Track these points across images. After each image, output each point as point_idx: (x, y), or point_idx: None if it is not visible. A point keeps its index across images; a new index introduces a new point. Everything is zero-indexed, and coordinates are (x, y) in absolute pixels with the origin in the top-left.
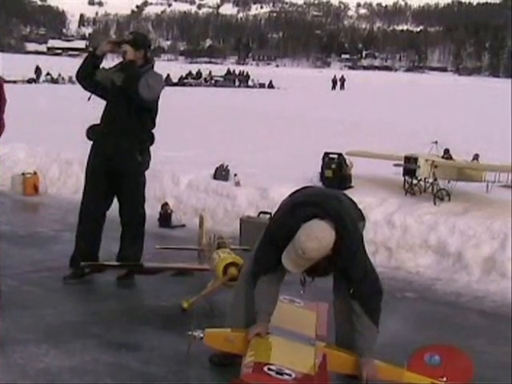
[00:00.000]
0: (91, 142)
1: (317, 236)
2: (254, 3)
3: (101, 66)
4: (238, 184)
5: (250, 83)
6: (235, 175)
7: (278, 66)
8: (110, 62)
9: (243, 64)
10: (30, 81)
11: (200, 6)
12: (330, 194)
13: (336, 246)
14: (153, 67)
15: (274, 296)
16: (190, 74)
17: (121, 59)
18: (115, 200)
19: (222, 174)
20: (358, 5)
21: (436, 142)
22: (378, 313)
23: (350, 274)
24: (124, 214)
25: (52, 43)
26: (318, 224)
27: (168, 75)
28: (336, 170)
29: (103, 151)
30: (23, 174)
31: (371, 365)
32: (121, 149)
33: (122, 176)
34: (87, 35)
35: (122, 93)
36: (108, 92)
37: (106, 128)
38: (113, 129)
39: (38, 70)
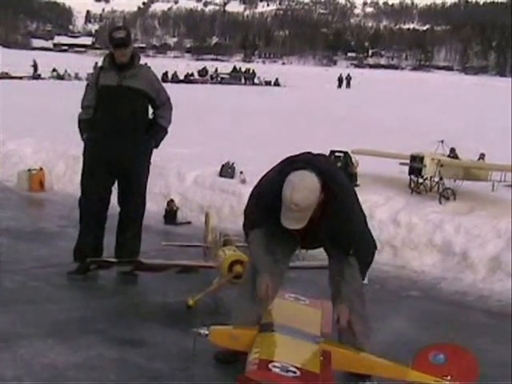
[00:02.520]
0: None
1: (301, 185)
2: (261, 1)
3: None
4: (243, 181)
5: (256, 81)
6: (241, 173)
7: (284, 63)
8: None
9: (249, 61)
10: (35, 77)
11: (206, 4)
12: (319, 154)
13: (326, 199)
14: (139, 58)
15: (268, 247)
16: (203, 69)
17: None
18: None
19: (227, 171)
20: (365, 3)
21: (442, 141)
22: (368, 268)
23: (348, 232)
24: (130, 210)
25: (58, 39)
26: (298, 174)
27: (175, 72)
28: (342, 169)
29: (107, 150)
30: (29, 169)
31: (345, 311)
32: (128, 147)
33: (128, 174)
34: (93, 32)
35: (131, 92)
36: (106, 93)
37: (109, 127)
38: (119, 127)
39: (35, 65)
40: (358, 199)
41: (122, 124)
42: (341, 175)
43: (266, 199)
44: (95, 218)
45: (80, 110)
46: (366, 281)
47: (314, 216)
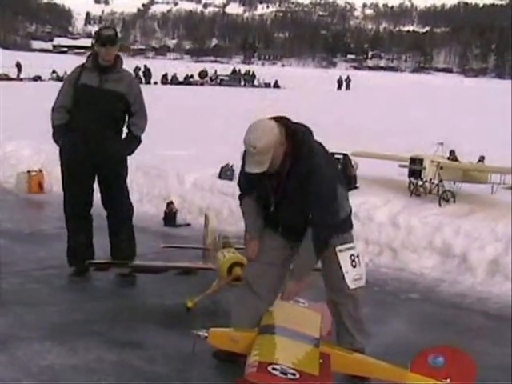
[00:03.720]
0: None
1: (256, 127)
2: (260, 3)
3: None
4: None
5: (255, 83)
6: None
7: (283, 65)
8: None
9: (249, 63)
10: (35, 78)
11: (206, 5)
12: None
13: (293, 152)
14: (122, 63)
15: (258, 212)
16: (203, 71)
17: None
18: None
19: (226, 173)
20: (364, 5)
21: (441, 144)
22: (325, 247)
23: (312, 195)
24: (115, 210)
25: (58, 41)
26: (259, 120)
27: (175, 74)
28: (341, 171)
29: (85, 152)
30: (28, 171)
31: (295, 287)
32: (108, 148)
33: (107, 176)
34: (93, 33)
35: (110, 95)
36: (85, 94)
37: (88, 129)
38: (97, 129)
39: (18, 66)
40: (331, 163)
41: (100, 126)
42: (311, 139)
43: (243, 161)
44: (82, 218)
45: (51, 112)
46: (363, 283)
47: (283, 169)
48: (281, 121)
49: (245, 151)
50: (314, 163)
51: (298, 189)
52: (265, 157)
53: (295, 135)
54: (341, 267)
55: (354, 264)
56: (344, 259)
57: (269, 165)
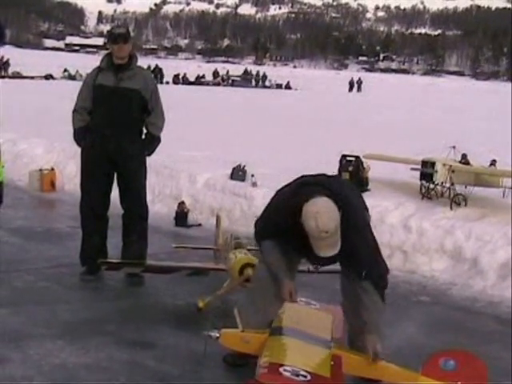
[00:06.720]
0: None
1: (323, 211)
2: (273, 4)
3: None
4: (254, 185)
5: (267, 83)
6: (252, 176)
7: (295, 66)
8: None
9: (260, 64)
10: (47, 77)
11: (218, 6)
12: (333, 177)
13: (342, 222)
14: (137, 60)
15: (280, 251)
16: (215, 72)
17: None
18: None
19: (238, 174)
20: (377, 7)
21: (454, 147)
22: (384, 290)
23: (360, 254)
24: (131, 210)
25: (70, 40)
26: (315, 202)
27: (185, 74)
28: (353, 173)
29: (103, 151)
30: (40, 170)
31: (374, 341)
32: (126, 148)
33: (124, 175)
34: (105, 32)
35: (126, 93)
36: (102, 93)
37: (106, 129)
38: (115, 129)
39: (5, 64)
40: (369, 224)
41: (117, 125)
42: (354, 197)
43: (280, 219)
44: (98, 219)
45: (72, 114)
46: None
47: None
48: (330, 193)
49: (278, 206)
50: (357, 224)
51: (341, 250)
52: (336, 237)
53: (344, 208)
54: None
55: None
56: None
57: None
